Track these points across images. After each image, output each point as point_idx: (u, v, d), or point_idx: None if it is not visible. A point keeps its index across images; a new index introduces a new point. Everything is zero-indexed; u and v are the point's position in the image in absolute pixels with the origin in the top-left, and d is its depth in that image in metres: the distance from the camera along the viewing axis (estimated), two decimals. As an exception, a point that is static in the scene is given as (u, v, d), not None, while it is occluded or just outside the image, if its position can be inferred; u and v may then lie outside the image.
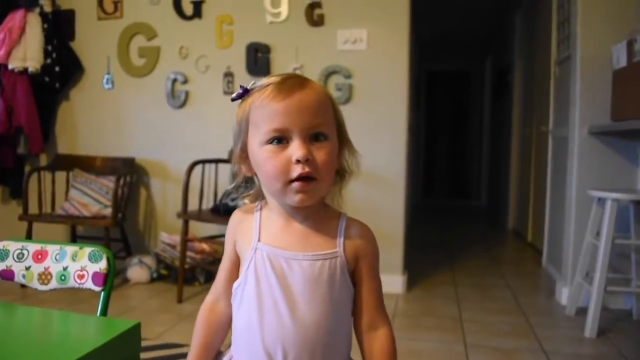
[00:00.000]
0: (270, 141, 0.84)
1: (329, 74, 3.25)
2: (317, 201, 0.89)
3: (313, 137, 0.84)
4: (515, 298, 3.13)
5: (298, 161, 0.82)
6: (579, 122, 2.92)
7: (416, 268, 3.62)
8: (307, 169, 0.82)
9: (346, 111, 3.34)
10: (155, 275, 3.35)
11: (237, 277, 0.94)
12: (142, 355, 2.03)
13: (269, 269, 0.88)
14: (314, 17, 3.27)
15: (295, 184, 0.83)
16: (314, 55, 3.28)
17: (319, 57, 3.27)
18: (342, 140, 0.93)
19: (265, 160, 0.84)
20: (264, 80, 0.88)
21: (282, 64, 3.33)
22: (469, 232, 5.83)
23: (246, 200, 0.98)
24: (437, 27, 6.46)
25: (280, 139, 0.83)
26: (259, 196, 0.96)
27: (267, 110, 0.83)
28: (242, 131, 0.89)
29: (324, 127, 0.86)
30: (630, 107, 2.49)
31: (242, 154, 0.91)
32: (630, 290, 2.74)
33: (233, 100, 0.91)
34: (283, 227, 0.91)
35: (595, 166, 2.90)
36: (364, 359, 0.93)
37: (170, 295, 3.04)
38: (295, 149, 0.82)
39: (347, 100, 3.23)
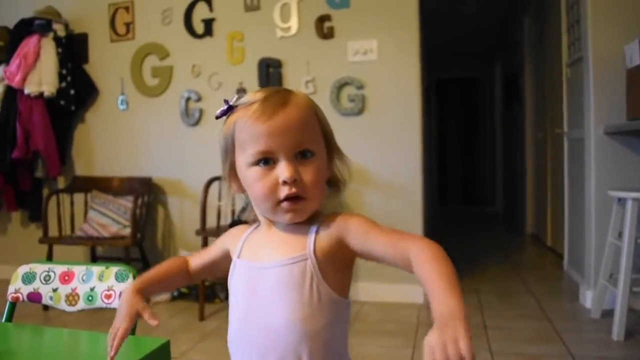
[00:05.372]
0: (256, 163, 0.84)
1: (341, 85, 3.26)
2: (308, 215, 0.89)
3: (300, 155, 0.84)
4: (538, 303, 3.10)
5: (285, 182, 0.82)
6: (594, 122, 2.90)
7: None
8: (294, 190, 0.83)
9: (360, 122, 3.35)
10: (176, 293, 3.35)
11: (210, 268, 1.04)
12: (168, 373, 2.03)
13: (243, 282, 0.91)
14: (324, 30, 3.29)
15: (285, 204, 0.84)
16: (326, 68, 3.30)
17: (331, 70, 3.29)
18: (331, 148, 0.92)
19: (253, 182, 0.85)
20: (248, 97, 0.87)
21: (293, 78, 3.35)
22: (487, 238, 5.78)
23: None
24: (445, 35, 6.46)
25: (267, 160, 0.84)
26: (251, 212, 0.96)
27: (251, 132, 0.83)
28: (229, 150, 0.89)
29: (309, 144, 0.85)
30: (647, 106, 2.47)
31: (231, 172, 0.91)
32: (656, 291, 2.69)
33: (217, 117, 0.90)
34: (265, 234, 0.92)
35: (613, 166, 2.87)
36: (426, 284, 0.77)
37: (192, 313, 3.05)
38: (282, 170, 0.83)
39: (361, 111, 3.23)
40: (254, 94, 0.87)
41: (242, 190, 0.92)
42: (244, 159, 0.86)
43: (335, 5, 3.27)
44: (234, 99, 0.89)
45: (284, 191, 0.83)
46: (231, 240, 0.98)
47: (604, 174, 2.88)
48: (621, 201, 2.61)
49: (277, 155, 0.83)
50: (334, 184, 0.94)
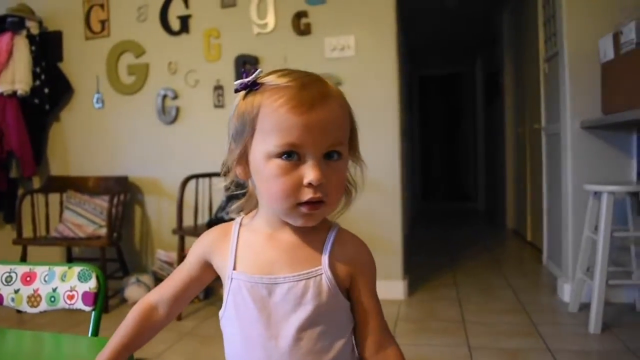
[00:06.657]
0: (279, 155, 0.75)
1: (318, 82, 3.24)
2: None
3: (327, 155, 0.77)
4: (517, 297, 3.11)
5: (310, 184, 0.75)
6: (571, 117, 2.91)
7: (417, 272, 3.59)
8: (318, 194, 0.75)
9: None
10: (153, 293, 3.31)
11: (188, 291, 0.90)
12: (141, 374, 2.00)
13: (248, 299, 0.81)
14: (301, 26, 3.26)
15: (304, 208, 0.77)
16: (303, 64, 3.27)
17: (308, 66, 3.21)
18: (352, 148, 0.85)
19: (272, 176, 0.76)
20: (278, 79, 0.77)
21: (271, 74, 3.31)
22: (469, 233, 5.81)
23: (242, 213, 0.89)
24: (425, 32, 6.46)
25: (291, 154, 0.75)
26: (250, 202, 0.87)
27: (282, 121, 0.74)
28: (247, 132, 0.78)
29: (340, 146, 0.78)
30: (620, 99, 2.49)
31: (241, 156, 0.81)
32: (632, 283, 2.71)
33: (237, 91, 0.81)
34: (268, 238, 0.84)
35: (590, 160, 2.89)
36: None
37: (170, 312, 3.01)
38: (309, 170, 0.75)
39: (338, 107, 3.21)
40: (282, 77, 0.77)
41: (246, 176, 0.83)
42: (264, 147, 0.76)
43: (312, 1, 3.24)
44: (256, 73, 0.78)
45: (307, 194, 0.75)
46: (213, 249, 0.88)
47: (581, 168, 2.90)
48: (597, 195, 2.63)
49: (305, 151, 0.75)
50: (345, 188, 0.85)
